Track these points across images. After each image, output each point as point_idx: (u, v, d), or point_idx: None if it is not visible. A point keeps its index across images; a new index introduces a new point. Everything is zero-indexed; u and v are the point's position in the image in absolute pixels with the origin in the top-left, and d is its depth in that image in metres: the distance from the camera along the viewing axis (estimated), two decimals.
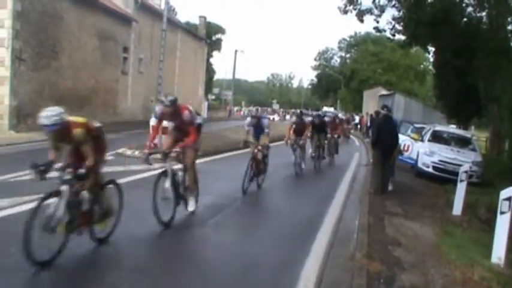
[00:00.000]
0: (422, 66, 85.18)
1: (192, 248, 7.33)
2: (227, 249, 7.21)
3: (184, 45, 42.66)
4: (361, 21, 22.94)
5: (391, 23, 23.46)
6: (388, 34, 24.53)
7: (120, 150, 16.24)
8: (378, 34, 28.92)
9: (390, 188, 13.32)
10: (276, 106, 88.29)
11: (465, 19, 22.58)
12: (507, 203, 7.45)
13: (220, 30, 69.52)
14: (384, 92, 63.13)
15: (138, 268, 6.00)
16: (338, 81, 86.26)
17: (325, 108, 56.06)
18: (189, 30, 46.27)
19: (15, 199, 8.32)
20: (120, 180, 11.21)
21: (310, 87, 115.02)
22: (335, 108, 65.38)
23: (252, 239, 7.93)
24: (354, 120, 50.89)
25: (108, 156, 14.89)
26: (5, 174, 10.52)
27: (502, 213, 7.50)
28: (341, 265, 6.66)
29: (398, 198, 12.46)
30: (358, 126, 48.37)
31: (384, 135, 12.63)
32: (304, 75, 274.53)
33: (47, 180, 5.78)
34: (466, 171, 11.72)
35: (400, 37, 25.39)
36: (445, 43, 22.77)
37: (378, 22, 23.42)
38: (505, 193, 7.51)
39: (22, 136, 18.02)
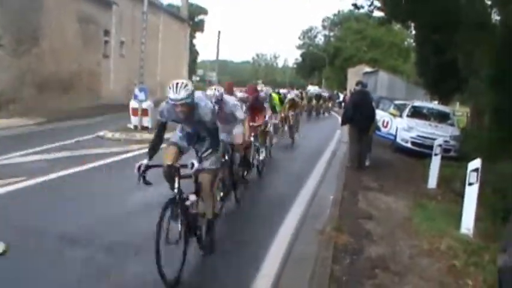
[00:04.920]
0: (406, 43, 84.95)
1: None
2: None
3: (167, 27, 42.23)
4: None
5: None
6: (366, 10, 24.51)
7: (101, 133, 16.26)
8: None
9: (367, 163, 13.45)
10: (261, 86, 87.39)
11: None
12: (475, 174, 7.61)
13: (203, 11, 69.16)
14: (368, 69, 63.24)
15: None
16: (322, 59, 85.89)
17: (310, 87, 55.91)
18: (171, 11, 45.89)
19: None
20: (101, 162, 11.40)
21: (295, 66, 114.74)
22: (320, 87, 65.24)
23: (226, 215, 7.70)
24: (338, 98, 51.72)
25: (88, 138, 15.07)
26: None
27: (470, 184, 7.66)
28: (310, 239, 6.80)
29: (375, 173, 12.59)
30: (342, 104, 49.05)
31: (359, 111, 12.71)
32: (289, 55, 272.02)
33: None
34: (440, 145, 11.88)
35: (380, 14, 25.39)
36: (424, 20, 22.77)
37: None
38: (473, 164, 7.68)
39: (3, 122, 17.90)
